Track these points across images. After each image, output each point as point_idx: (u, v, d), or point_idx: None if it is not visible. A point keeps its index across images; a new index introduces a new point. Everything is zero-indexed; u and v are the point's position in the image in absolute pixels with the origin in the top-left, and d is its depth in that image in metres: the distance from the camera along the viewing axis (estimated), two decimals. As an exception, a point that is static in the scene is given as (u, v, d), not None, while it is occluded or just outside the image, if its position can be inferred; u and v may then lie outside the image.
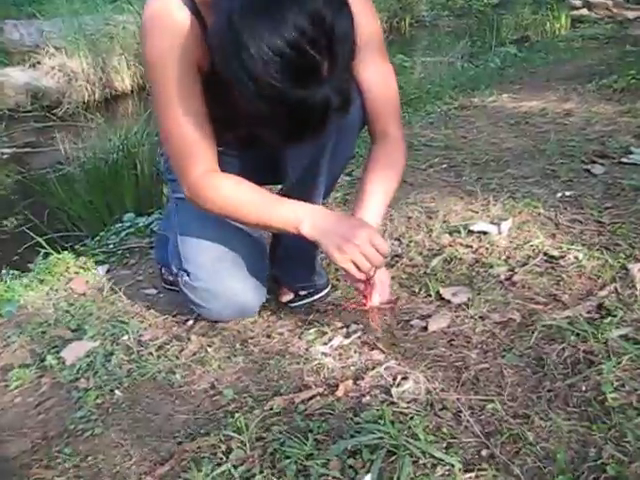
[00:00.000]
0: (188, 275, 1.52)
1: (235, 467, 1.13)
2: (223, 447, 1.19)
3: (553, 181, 2.25)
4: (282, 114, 1.08)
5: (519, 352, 1.33)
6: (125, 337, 1.64)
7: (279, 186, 1.58)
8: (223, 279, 1.51)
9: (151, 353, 1.55)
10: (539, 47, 5.47)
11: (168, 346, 1.57)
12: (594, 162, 2.37)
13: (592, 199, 2.05)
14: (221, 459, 1.16)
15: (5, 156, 4.87)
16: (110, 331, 1.69)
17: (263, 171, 1.52)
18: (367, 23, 1.35)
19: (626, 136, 2.60)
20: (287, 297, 1.67)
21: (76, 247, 2.44)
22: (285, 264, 1.67)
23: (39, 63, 5.77)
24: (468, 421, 1.15)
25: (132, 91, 6.37)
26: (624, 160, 2.33)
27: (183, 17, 1.25)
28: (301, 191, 1.44)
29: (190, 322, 1.68)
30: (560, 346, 1.32)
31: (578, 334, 1.34)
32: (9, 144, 5.03)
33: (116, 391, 1.43)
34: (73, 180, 3.31)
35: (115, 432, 1.31)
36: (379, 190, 1.40)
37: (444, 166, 2.57)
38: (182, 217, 1.57)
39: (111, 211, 2.94)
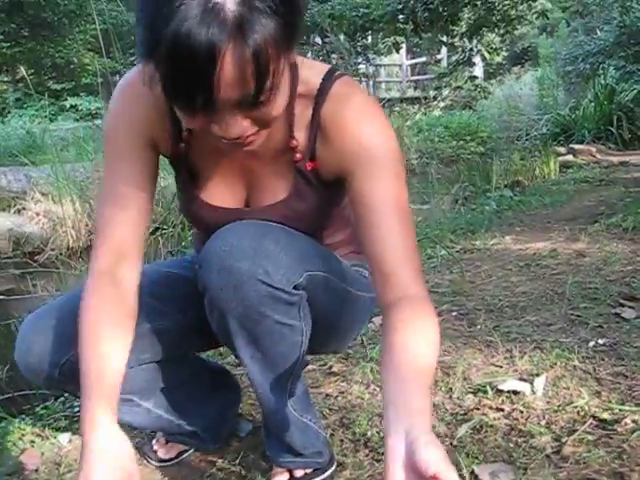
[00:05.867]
0: None
1: None
2: None
3: (581, 328, 2.00)
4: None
5: None
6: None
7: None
8: None
9: None
10: (533, 191, 5.42)
11: None
12: (622, 305, 2.14)
13: (631, 348, 1.80)
14: None
15: (-20, 305, 4.59)
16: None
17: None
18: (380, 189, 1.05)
19: (651, 276, 2.39)
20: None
21: (37, 410, 2.11)
22: (267, 433, 1.34)
23: (24, 209, 5.63)
24: None
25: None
26: (656, 303, 2.11)
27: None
28: None
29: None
30: None
31: (667, 533, 1.03)
32: (-14, 292, 4.77)
33: None
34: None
35: None
36: (418, 383, 0.85)
37: (454, 314, 2.31)
38: None
39: (83, 365, 2.62)
